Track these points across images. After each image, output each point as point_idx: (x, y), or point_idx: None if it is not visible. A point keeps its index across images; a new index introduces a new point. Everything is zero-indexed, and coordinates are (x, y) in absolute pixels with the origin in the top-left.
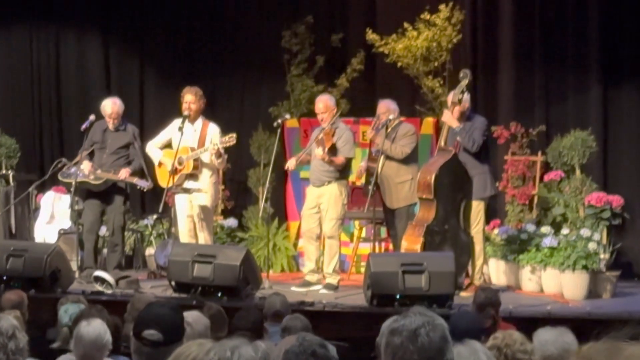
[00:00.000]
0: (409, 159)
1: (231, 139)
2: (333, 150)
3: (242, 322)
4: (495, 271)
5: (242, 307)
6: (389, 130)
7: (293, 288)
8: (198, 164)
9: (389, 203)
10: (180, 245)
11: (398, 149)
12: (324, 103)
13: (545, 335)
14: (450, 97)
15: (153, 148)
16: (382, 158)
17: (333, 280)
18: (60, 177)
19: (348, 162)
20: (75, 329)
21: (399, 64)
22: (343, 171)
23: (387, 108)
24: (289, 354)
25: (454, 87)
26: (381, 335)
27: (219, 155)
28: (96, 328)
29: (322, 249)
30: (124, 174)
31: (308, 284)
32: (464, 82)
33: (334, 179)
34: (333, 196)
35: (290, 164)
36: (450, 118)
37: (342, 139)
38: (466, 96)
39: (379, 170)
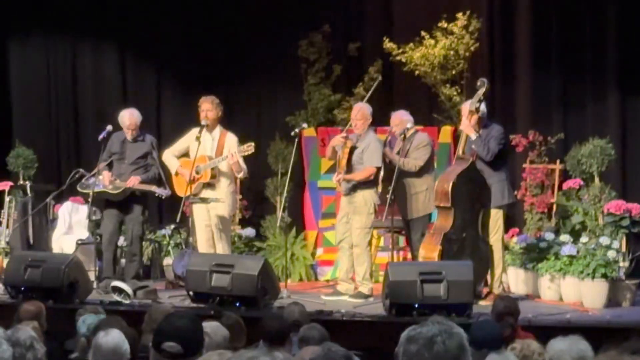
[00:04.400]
0: (423, 170)
1: (249, 147)
2: (349, 165)
3: (267, 329)
4: (514, 280)
5: (267, 315)
6: (405, 140)
7: (323, 297)
8: (216, 173)
9: (404, 214)
10: (198, 255)
11: (411, 162)
12: (361, 111)
13: (559, 345)
14: (466, 106)
15: (170, 156)
16: (397, 169)
17: (364, 288)
18: (79, 188)
19: (377, 171)
20: (93, 339)
21: (417, 73)
22: (370, 181)
23: (400, 120)
24: None
25: (472, 95)
26: (400, 344)
27: (238, 167)
28: (114, 338)
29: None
30: (132, 181)
31: (339, 293)
32: (481, 91)
33: (360, 188)
34: (358, 205)
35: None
36: (467, 127)
37: (369, 149)
38: (483, 105)
39: (394, 181)
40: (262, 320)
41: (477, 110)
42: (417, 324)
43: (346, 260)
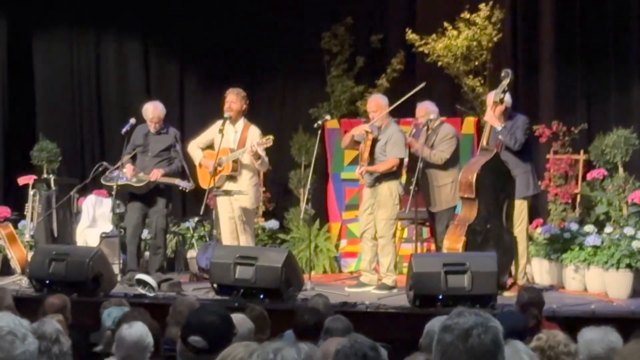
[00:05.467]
0: (449, 163)
1: (268, 140)
2: (371, 157)
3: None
4: (539, 270)
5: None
6: (429, 131)
7: (347, 289)
8: (237, 166)
9: (430, 206)
10: (222, 248)
11: (437, 155)
12: (375, 102)
13: (590, 335)
14: (490, 97)
15: (195, 148)
16: (420, 160)
17: (388, 280)
18: (103, 181)
19: (400, 162)
20: (117, 332)
21: (439, 64)
22: (394, 172)
23: (425, 111)
24: (339, 355)
25: (495, 86)
26: (424, 336)
27: (257, 157)
28: (138, 330)
29: (376, 250)
30: (155, 174)
31: (362, 284)
32: (506, 82)
33: (385, 180)
34: (383, 196)
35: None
36: (492, 118)
37: (391, 140)
38: (507, 96)
39: (418, 172)
40: (297, 313)
41: (502, 101)
42: (441, 315)
43: (368, 251)
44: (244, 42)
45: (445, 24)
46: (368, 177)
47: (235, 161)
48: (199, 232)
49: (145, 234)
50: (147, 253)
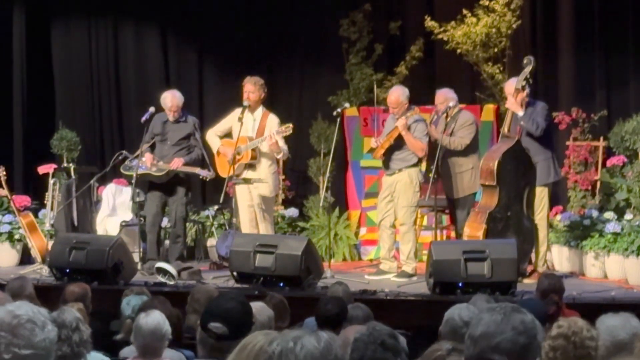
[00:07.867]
0: (469, 149)
1: (287, 128)
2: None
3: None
4: (558, 257)
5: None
6: (449, 119)
7: (366, 276)
8: (256, 154)
9: (451, 193)
10: (242, 236)
11: (457, 141)
12: (395, 97)
13: (612, 321)
14: (510, 85)
15: (213, 136)
16: (439, 148)
17: (407, 267)
18: (122, 170)
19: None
20: (135, 320)
21: (458, 51)
22: (414, 159)
23: (444, 98)
24: (358, 343)
25: (514, 73)
26: (444, 324)
27: (277, 148)
28: (155, 319)
29: (394, 238)
30: (176, 163)
31: (382, 272)
32: (528, 69)
33: (405, 167)
34: (404, 184)
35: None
36: (514, 104)
37: (417, 128)
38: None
39: (438, 159)
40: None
41: (524, 88)
42: (461, 302)
43: (387, 239)
44: (262, 30)
45: (464, 11)
46: (389, 165)
47: (254, 149)
48: (218, 221)
49: (165, 222)
50: (167, 242)
